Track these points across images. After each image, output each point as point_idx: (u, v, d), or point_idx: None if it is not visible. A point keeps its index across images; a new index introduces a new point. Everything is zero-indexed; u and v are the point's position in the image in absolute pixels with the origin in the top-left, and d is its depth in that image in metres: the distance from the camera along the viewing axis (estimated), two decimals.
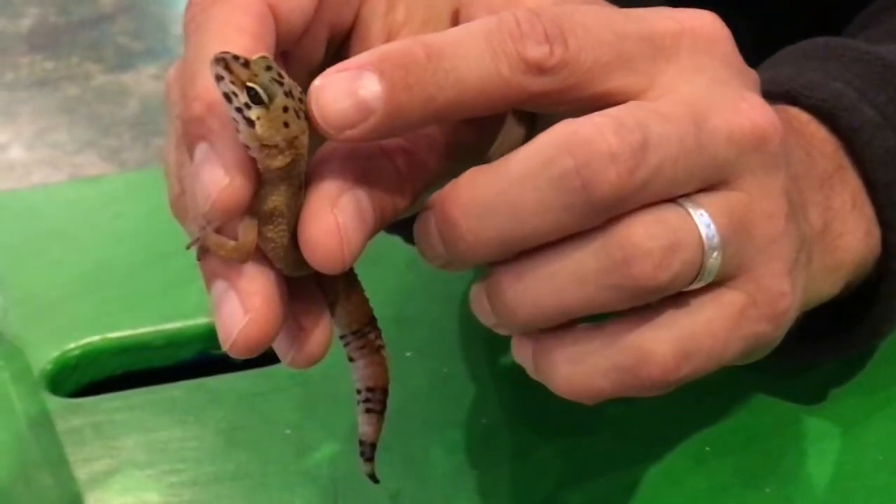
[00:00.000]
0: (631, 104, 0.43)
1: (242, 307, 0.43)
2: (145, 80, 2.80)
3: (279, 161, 0.42)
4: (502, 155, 0.44)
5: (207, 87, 0.42)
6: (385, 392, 0.48)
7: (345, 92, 0.42)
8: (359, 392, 0.48)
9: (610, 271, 0.43)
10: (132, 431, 0.61)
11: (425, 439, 0.59)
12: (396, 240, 0.60)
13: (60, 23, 3.05)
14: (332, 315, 0.46)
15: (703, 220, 0.43)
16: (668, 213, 0.43)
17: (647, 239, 0.42)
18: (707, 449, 0.57)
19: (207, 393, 0.63)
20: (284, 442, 0.59)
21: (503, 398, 0.61)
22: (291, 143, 0.42)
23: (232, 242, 0.43)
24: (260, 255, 0.44)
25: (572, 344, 0.44)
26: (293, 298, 0.45)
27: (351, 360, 0.47)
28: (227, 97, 0.41)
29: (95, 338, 0.68)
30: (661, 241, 0.42)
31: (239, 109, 0.41)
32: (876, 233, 0.54)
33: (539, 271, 0.43)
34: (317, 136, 0.43)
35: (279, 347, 0.45)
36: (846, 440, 0.57)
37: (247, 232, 0.43)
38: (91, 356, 0.68)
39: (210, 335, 0.69)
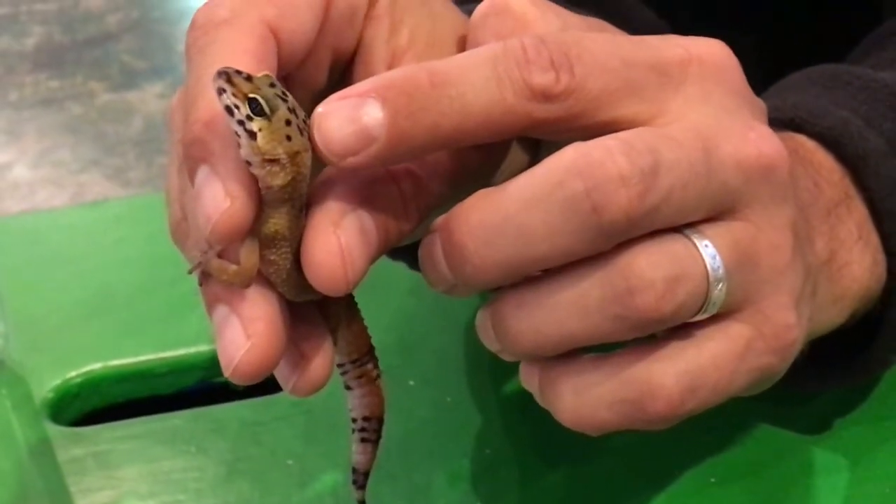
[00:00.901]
0: (640, 129, 0.43)
1: (244, 333, 0.43)
2: (150, 99, 2.80)
3: (281, 178, 0.41)
4: (506, 180, 0.44)
5: (208, 107, 0.42)
6: (380, 422, 0.48)
7: (347, 119, 0.41)
8: (354, 420, 0.48)
9: (613, 301, 0.42)
10: (134, 461, 0.61)
11: (429, 469, 0.59)
12: (400, 266, 0.59)
13: (65, 42, 3.06)
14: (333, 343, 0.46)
15: (708, 251, 0.43)
16: (674, 244, 0.43)
17: (650, 269, 0.42)
18: (712, 479, 0.57)
19: (210, 422, 0.63)
20: (286, 472, 0.59)
21: (508, 428, 0.61)
22: (294, 158, 0.41)
23: (234, 267, 0.43)
24: (262, 279, 0.43)
25: (578, 374, 0.44)
26: (294, 324, 0.45)
27: (348, 388, 0.47)
28: (229, 110, 0.41)
29: (97, 365, 0.68)
30: (665, 271, 0.42)
31: (241, 122, 0.41)
32: (882, 261, 0.54)
33: (542, 300, 0.43)
34: (318, 160, 0.43)
35: (280, 374, 0.45)
36: (853, 471, 0.57)
37: (249, 256, 0.43)
38: (93, 384, 0.68)
39: (212, 362, 0.68)
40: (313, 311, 0.46)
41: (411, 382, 0.63)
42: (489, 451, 0.60)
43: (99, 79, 2.90)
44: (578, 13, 0.68)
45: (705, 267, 0.43)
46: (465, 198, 0.44)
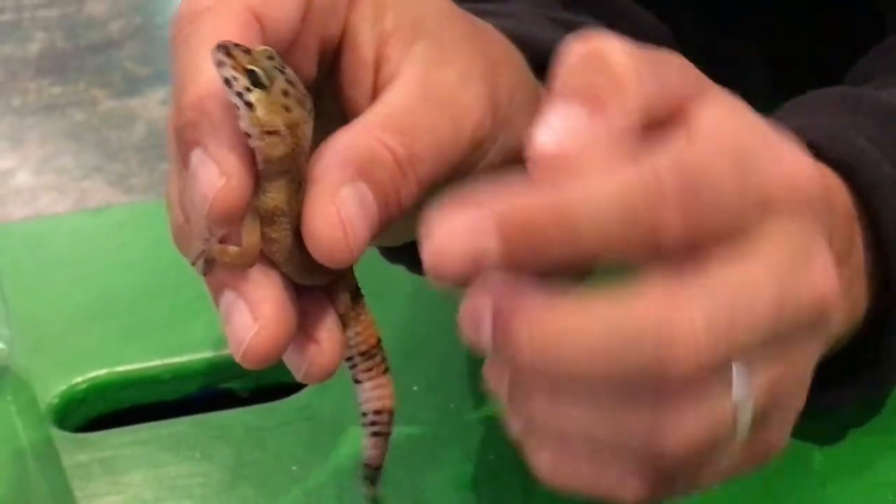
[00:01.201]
0: (724, 289, 0.39)
1: (252, 316, 0.43)
2: (153, 106, 2.81)
3: (280, 150, 0.42)
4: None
5: (197, 91, 0.42)
6: (391, 415, 0.48)
7: (461, 244, 0.37)
8: (365, 415, 0.48)
9: (639, 461, 0.40)
10: (139, 467, 0.61)
11: (432, 474, 0.59)
12: (400, 270, 0.59)
13: (68, 48, 3.06)
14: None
15: (744, 417, 0.41)
16: (718, 405, 0.40)
17: (686, 439, 0.40)
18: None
19: (214, 428, 0.63)
20: (291, 478, 0.59)
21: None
22: (293, 129, 0.42)
23: (235, 248, 0.43)
24: (267, 262, 0.44)
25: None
26: (302, 308, 0.45)
27: (357, 381, 0.47)
28: (228, 82, 0.41)
29: (102, 371, 0.68)
30: (699, 440, 0.40)
31: (239, 94, 0.41)
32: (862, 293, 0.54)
33: (571, 436, 0.41)
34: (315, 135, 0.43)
35: (291, 361, 0.45)
36: (857, 479, 0.57)
37: (250, 234, 0.43)
38: (98, 390, 0.68)
39: (216, 368, 0.69)
40: (320, 296, 0.46)
41: (415, 388, 0.64)
42: (492, 456, 0.60)
43: (101, 85, 2.90)
44: (581, 19, 0.69)
45: (736, 430, 0.41)
46: (461, 171, 0.46)
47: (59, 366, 0.68)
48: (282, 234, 0.43)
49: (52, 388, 0.67)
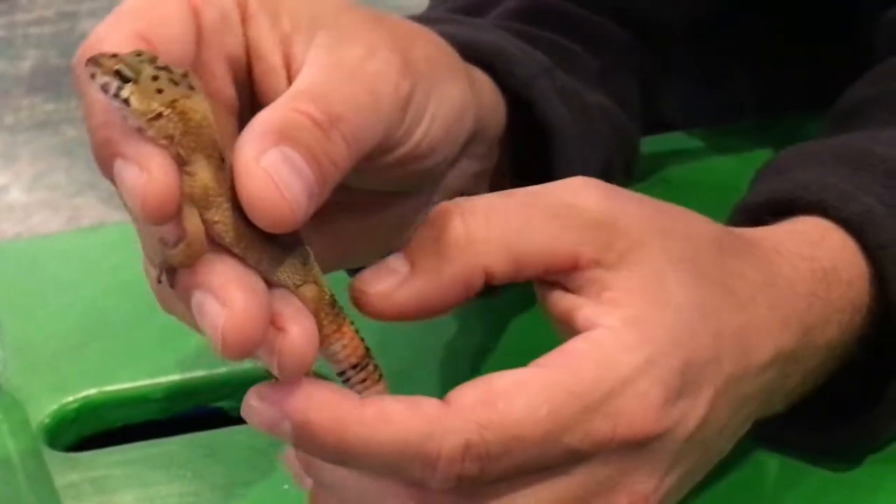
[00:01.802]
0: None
1: (219, 301, 0.43)
2: None
3: (171, 128, 0.42)
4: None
5: (98, 113, 0.44)
6: None
7: (263, 421, 0.46)
8: None
9: None
10: (130, 486, 0.61)
11: None
12: None
13: (61, 65, 3.07)
14: (328, 353, 0.47)
15: None
16: None
17: None
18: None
19: (205, 447, 0.63)
20: (282, 497, 0.59)
21: None
22: (174, 107, 0.42)
23: (182, 244, 0.43)
24: (224, 252, 0.44)
25: None
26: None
27: None
28: (104, 90, 0.42)
29: (93, 391, 0.68)
30: None
31: (115, 95, 0.42)
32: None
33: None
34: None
35: (265, 358, 0.45)
36: (853, 496, 0.57)
37: (189, 221, 0.43)
38: (90, 409, 0.68)
39: (207, 387, 0.69)
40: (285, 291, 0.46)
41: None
42: None
43: None
44: (543, 33, 0.70)
45: None
46: (397, 135, 0.48)
47: (51, 385, 0.69)
48: (222, 214, 0.44)
49: (44, 408, 0.67)
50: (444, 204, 0.47)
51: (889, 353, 0.54)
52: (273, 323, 0.44)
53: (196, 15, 0.47)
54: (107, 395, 0.68)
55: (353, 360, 0.47)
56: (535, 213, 0.47)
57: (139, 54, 0.43)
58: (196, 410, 0.69)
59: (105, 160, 0.44)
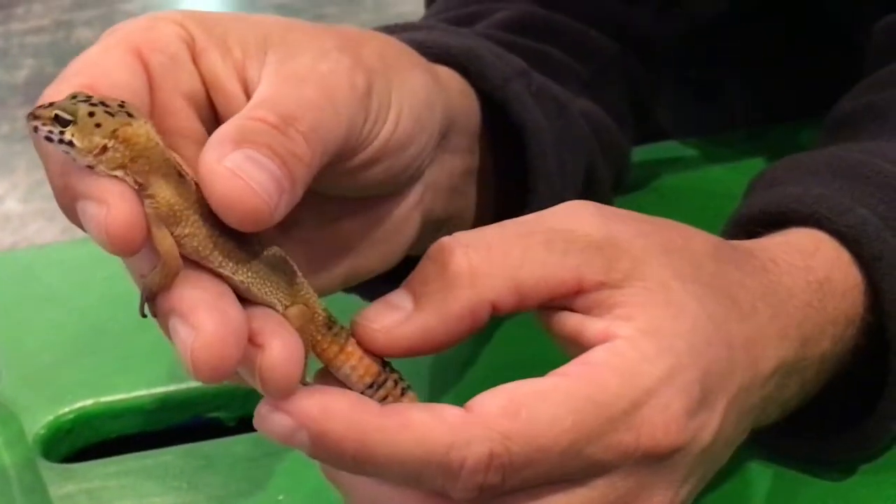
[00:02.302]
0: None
1: (188, 326, 0.43)
2: None
3: (121, 158, 0.43)
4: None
5: (53, 167, 0.44)
6: None
7: (281, 431, 0.44)
8: None
9: None
10: (126, 498, 0.61)
11: None
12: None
13: (57, 74, 3.06)
14: (340, 376, 0.47)
15: None
16: None
17: None
18: None
19: (201, 458, 0.63)
20: None
21: None
22: (115, 135, 0.43)
23: (156, 267, 0.43)
24: (197, 270, 0.44)
25: None
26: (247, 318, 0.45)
27: None
28: (48, 139, 0.43)
29: (89, 402, 0.68)
30: None
31: (60, 141, 0.43)
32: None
33: None
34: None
35: (247, 376, 0.45)
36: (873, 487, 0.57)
37: (161, 242, 0.43)
38: (85, 420, 0.68)
39: (203, 398, 0.69)
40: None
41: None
42: None
43: None
44: (527, 42, 0.71)
45: None
46: (359, 132, 0.48)
47: (46, 396, 0.69)
48: (192, 226, 0.44)
49: (39, 419, 0.67)
50: (444, 239, 0.47)
51: (881, 364, 0.54)
52: (252, 341, 0.44)
53: (141, 60, 0.47)
54: (102, 406, 0.68)
55: (368, 380, 0.47)
56: (534, 242, 0.47)
57: (74, 97, 0.44)
58: (192, 421, 0.69)
59: (67, 206, 0.44)
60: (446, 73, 0.59)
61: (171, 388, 0.69)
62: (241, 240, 0.45)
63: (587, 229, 0.47)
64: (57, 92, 0.45)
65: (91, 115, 0.43)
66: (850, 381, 0.56)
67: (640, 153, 0.81)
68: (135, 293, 0.72)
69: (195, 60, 0.49)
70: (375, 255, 0.54)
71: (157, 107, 0.48)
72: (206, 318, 0.43)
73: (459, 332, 0.47)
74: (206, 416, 0.69)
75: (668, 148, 0.87)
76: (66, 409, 0.68)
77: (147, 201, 0.43)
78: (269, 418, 0.44)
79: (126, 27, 0.48)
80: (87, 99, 0.43)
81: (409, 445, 0.43)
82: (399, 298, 0.47)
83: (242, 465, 0.62)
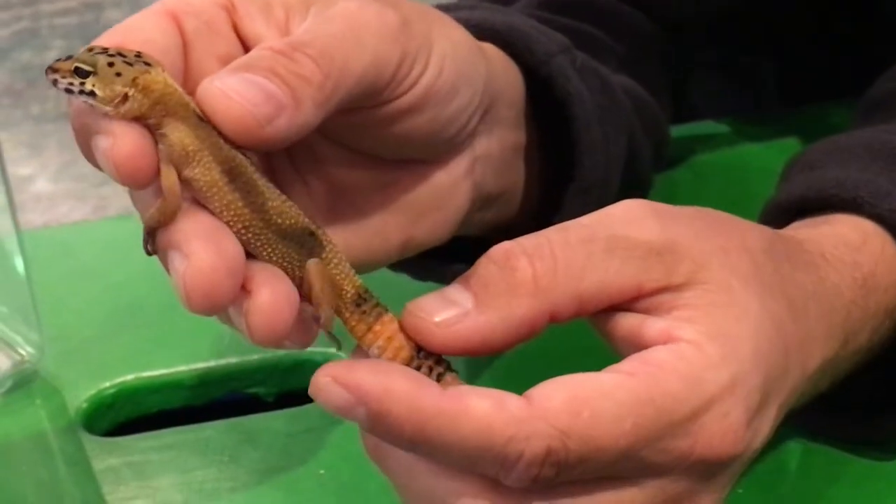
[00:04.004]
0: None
1: (182, 255, 0.43)
2: None
3: (140, 104, 0.44)
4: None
5: (73, 107, 0.45)
6: None
7: (338, 402, 0.44)
8: None
9: None
10: (168, 471, 0.62)
11: None
12: (403, 277, 0.61)
13: None
14: (371, 356, 0.46)
15: None
16: None
17: None
18: (739, 490, 0.57)
19: (242, 433, 0.64)
20: (318, 482, 0.60)
21: None
22: (134, 83, 0.44)
23: (158, 201, 0.44)
24: (196, 208, 0.45)
25: None
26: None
27: None
28: (69, 91, 0.44)
29: (130, 376, 0.69)
30: None
31: (81, 92, 0.44)
32: None
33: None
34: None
35: (235, 321, 0.45)
36: (881, 481, 0.57)
37: (165, 178, 0.44)
38: (126, 395, 0.69)
39: (241, 373, 0.70)
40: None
41: None
42: None
43: None
44: (566, 21, 0.71)
45: None
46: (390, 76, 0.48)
47: (88, 371, 0.69)
48: (203, 167, 0.44)
49: (81, 394, 0.68)
50: (507, 243, 0.47)
51: None
52: (244, 286, 0.44)
53: (176, 23, 0.48)
54: (143, 381, 0.69)
55: (399, 364, 0.46)
56: (596, 249, 0.46)
57: (90, 49, 0.45)
58: (232, 396, 0.69)
59: (84, 144, 0.45)
60: (491, 49, 0.59)
61: (211, 363, 0.70)
62: (253, 197, 0.45)
63: (646, 235, 0.47)
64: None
65: (111, 65, 0.44)
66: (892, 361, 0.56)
67: (675, 131, 0.81)
68: None
69: (236, 25, 0.50)
70: (427, 224, 0.55)
71: (192, 68, 0.48)
72: (199, 247, 0.43)
73: (517, 338, 0.46)
74: (245, 391, 0.70)
75: (703, 126, 0.87)
76: (108, 384, 0.69)
77: (162, 141, 0.44)
78: (327, 389, 0.44)
79: None
80: (105, 51, 0.44)
81: (467, 433, 0.43)
82: (458, 295, 0.46)
83: (282, 439, 0.63)
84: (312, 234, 0.46)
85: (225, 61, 0.48)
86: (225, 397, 0.70)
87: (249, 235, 0.45)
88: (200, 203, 0.45)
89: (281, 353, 0.69)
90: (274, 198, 0.45)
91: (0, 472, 0.64)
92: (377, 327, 0.46)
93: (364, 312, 0.46)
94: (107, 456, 0.63)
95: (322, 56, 0.46)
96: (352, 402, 0.43)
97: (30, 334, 0.70)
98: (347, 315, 0.46)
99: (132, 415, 0.69)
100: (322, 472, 0.60)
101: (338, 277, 0.46)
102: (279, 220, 0.45)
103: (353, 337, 0.47)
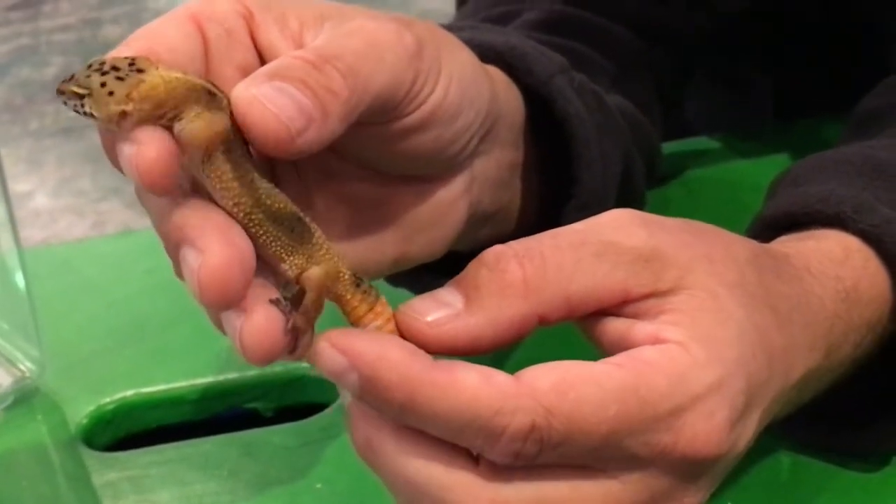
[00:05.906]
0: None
1: (195, 250, 0.44)
2: None
3: (144, 112, 0.44)
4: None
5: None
6: None
7: (332, 367, 0.45)
8: None
9: None
10: (167, 485, 0.63)
11: None
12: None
13: None
14: None
15: None
16: None
17: None
18: (728, 503, 0.57)
19: (240, 447, 0.64)
20: (316, 496, 0.60)
21: None
22: (129, 98, 0.44)
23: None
24: (207, 204, 0.45)
25: None
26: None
27: None
28: (77, 111, 0.45)
29: (129, 392, 0.70)
30: None
31: (85, 113, 0.45)
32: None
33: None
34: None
35: (230, 335, 0.46)
36: (873, 491, 0.58)
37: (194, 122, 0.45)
38: (126, 410, 0.69)
39: (241, 389, 0.70)
40: (264, 278, 0.46)
41: None
42: None
43: None
44: (561, 41, 0.72)
45: None
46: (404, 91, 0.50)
47: (88, 387, 0.70)
48: (220, 164, 0.45)
49: (82, 409, 0.69)
50: (498, 247, 0.48)
51: None
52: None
53: (199, 29, 0.49)
54: (143, 397, 0.70)
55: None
56: (586, 254, 0.47)
57: (89, 66, 0.45)
58: (231, 412, 0.70)
59: (109, 149, 0.46)
60: (492, 69, 0.60)
61: (210, 379, 0.70)
62: (243, 173, 0.46)
63: (635, 242, 0.48)
64: (118, 55, 0.46)
65: (103, 84, 0.44)
66: (876, 373, 0.57)
67: (668, 147, 0.82)
68: (173, 286, 0.74)
69: (253, 34, 0.51)
70: (423, 240, 0.56)
71: (211, 74, 0.49)
72: (212, 242, 0.44)
73: (506, 339, 0.47)
74: (244, 406, 0.70)
75: (695, 142, 0.88)
76: (108, 400, 0.69)
77: (176, 126, 0.45)
78: (324, 354, 0.45)
79: (189, 1, 0.50)
80: (100, 67, 0.45)
81: (456, 403, 0.44)
82: (449, 296, 0.48)
83: (281, 454, 0.64)
84: (300, 219, 0.47)
85: (242, 69, 0.50)
86: (224, 412, 0.70)
87: (243, 216, 0.46)
88: (198, 189, 0.46)
89: (279, 368, 0.70)
90: (260, 178, 0.46)
91: (1, 486, 0.64)
92: (378, 308, 0.47)
93: (365, 292, 0.47)
94: (107, 471, 0.64)
95: (349, 71, 0.47)
96: (346, 367, 0.45)
97: (30, 350, 0.70)
98: (349, 297, 0.47)
99: (132, 430, 0.70)
100: (319, 485, 0.61)
101: (333, 261, 0.47)
102: (268, 202, 0.46)
103: (352, 319, 0.48)
